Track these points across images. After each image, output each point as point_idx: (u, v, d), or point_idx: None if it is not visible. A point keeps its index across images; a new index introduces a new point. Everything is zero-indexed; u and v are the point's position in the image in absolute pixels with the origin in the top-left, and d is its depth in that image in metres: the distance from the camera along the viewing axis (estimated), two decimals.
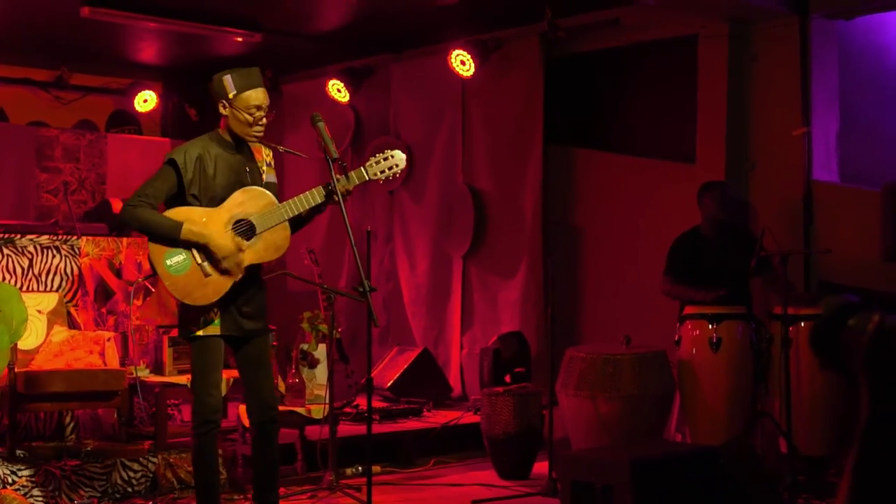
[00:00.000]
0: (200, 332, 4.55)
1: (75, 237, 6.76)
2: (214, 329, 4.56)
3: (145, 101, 9.75)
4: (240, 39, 8.30)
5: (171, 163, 4.54)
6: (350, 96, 9.16)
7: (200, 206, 4.52)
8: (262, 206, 4.54)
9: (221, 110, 4.58)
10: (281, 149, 4.85)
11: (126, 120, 10.17)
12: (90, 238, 6.84)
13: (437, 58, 8.48)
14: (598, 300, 7.99)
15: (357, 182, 4.61)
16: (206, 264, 4.48)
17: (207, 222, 4.49)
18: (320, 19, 8.26)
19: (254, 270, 4.62)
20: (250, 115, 4.54)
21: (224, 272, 4.49)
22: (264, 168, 4.70)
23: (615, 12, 7.53)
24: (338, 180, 4.55)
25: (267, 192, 4.58)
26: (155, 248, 4.49)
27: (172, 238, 4.46)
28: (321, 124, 4.61)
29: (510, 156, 8.29)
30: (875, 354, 2.15)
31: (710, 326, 6.16)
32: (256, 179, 4.63)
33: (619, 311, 7.73)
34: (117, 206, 8.39)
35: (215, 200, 4.53)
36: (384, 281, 9.11)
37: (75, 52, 9.16)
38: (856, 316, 2.29)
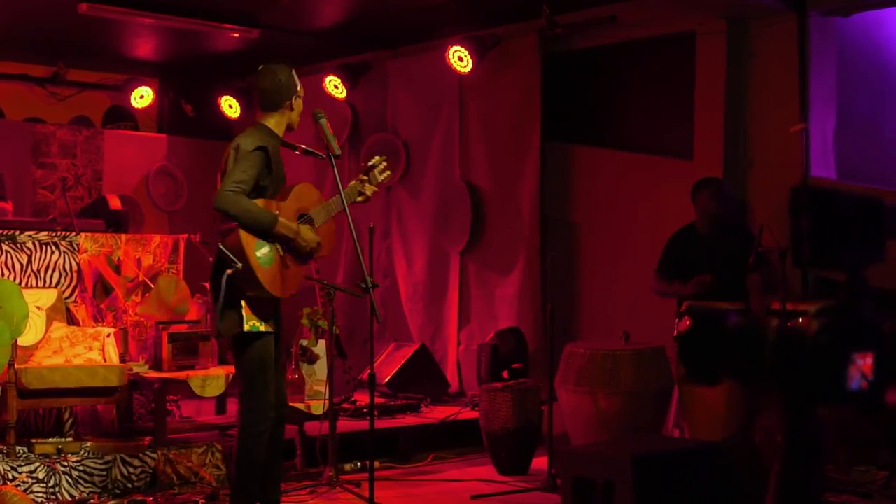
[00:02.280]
0: (262, 328, 4.60)
1: (74, 233, 6.75)
2: (270, 326, 4.63)
3: (142, 96, 9.74)
4: (237, 35, 8.29)
5: (263, 150, 4.58)
6: (347, 92, 9.15)
7: (270, 195, 4.62)
8: (314, 202, 4.69)
9: (293, 104, 4.75)
10: (303, 148, 4.91)
11: (122, 116, 10.16)
12: (89, 234, 6.84)
13: (434, 54, 8.48)
14: (595, 296, 8.00)
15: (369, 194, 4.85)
16: (287, 257, 4.60)
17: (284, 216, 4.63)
18: (318, 15, 8.25)
19: None
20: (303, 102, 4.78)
21: (303, 260, 4.65)
22: None
23: (612, 9, 7.53)
24: (361, 181, 4.78)
25: (314, 187, 4.76)
26: (246, 241, 4.49)
27: (268, 229, 4.52)
28: (323, 121, 4.68)
29: (508, 152, 8.29)
30: (781, 361, 2.09)
31: None
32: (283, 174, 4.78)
33: (617, 306, 7.74)
34: (114, 202, 8.37)
35: (274, 191, 4.65)
36: (381, 277, 9.10)
37: (72, 48, 9.14)
38: (742, 324, 2.21)
